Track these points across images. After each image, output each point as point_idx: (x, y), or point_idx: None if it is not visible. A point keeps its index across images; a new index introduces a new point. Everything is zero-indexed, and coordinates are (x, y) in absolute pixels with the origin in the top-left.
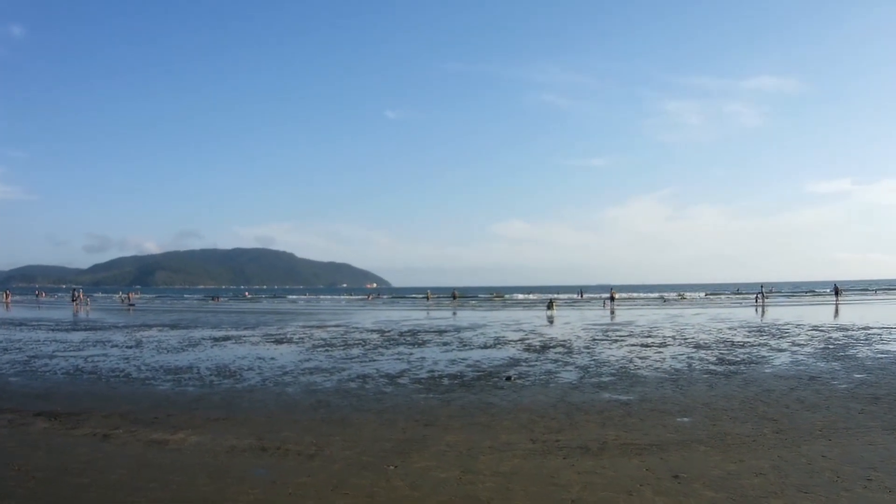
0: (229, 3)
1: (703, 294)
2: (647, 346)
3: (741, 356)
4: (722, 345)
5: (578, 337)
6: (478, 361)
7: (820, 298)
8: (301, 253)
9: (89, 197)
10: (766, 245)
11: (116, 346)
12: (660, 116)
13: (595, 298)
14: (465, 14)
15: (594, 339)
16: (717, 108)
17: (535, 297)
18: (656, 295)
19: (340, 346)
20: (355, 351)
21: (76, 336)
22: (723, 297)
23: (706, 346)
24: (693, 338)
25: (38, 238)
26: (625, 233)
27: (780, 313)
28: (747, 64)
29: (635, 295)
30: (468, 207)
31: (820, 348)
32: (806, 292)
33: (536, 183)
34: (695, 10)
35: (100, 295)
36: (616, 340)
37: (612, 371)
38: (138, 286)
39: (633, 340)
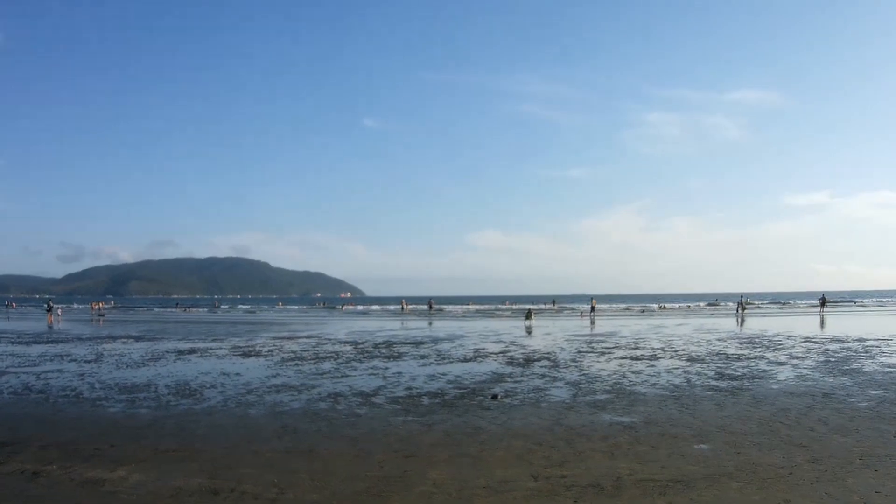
0: (204, 10)
1: (684, 305)
2: (637, 358)
3: (740, 370)
4: (716, 357)
5: (562, 349)
6: (459, 377)
7: (801, 309)
8: (276, 262)
9: (63, 206)
10: (742, 256)
11: (75, 360)
12: (639, 128)
13: (569, 308)
14: (445, 23)
15: (579, 352)
16: (696, 120)
17: (507, 307)
18: (639, 306)
19: (311, 359)
20: (327, 365)
21: (35, 349)
22: (702, 307)
23: (700, 360)
24: (683, 350)
25: (12, 247)
26: (601, 244)
27: (766, 324)
28: (728, 77)
29: (614, 306)
30: (444, 217)
31: (821, 361)
32: (783, 303)
33: (513, 193)
34: (676, 23)
35: (75, 306)
36: (603, 353)
37: (607, 388)
38: (110, 296)
39: (621, 353)
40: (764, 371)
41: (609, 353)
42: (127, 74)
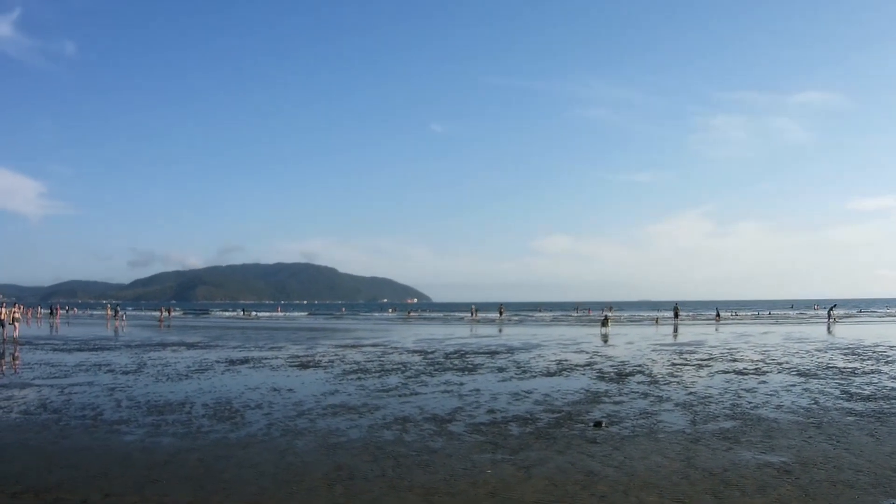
0: (271, 18)
1: (758, 312)
2: (741, 373)
3: (866, 388)
4: (828, 372)
5: (653, 361)
6: (547, 396)
7: (877, 316)
8: (343, 268)
9: (134, 212)
10: (807, 261)
11: (112, 370)
12: (705, 132)
13: (642, 317)
14: (509, 29)
15: (674, 364)
16: (762, 123)
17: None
18: (708, 313)
19: (376, 371)
20: (393, 379)
21: (75, 358)
22: (778, 314)
23: (812, 374)
24: (787, 362)
25: (83, 253)
26: (666, 248)
27: (856, 332)
28: (793, 79)
29: (683, 313)
30: (511, 222)
31: None
32: (860, 310)
33: (579, 198)
34: (741, 25)
35: (130, 310)
36: (700, 365)
37: (726, 411)
38: (174, 301)
39: (721, 365)
40: (894, 389)
41: (706, 365)
42: (197, 83)
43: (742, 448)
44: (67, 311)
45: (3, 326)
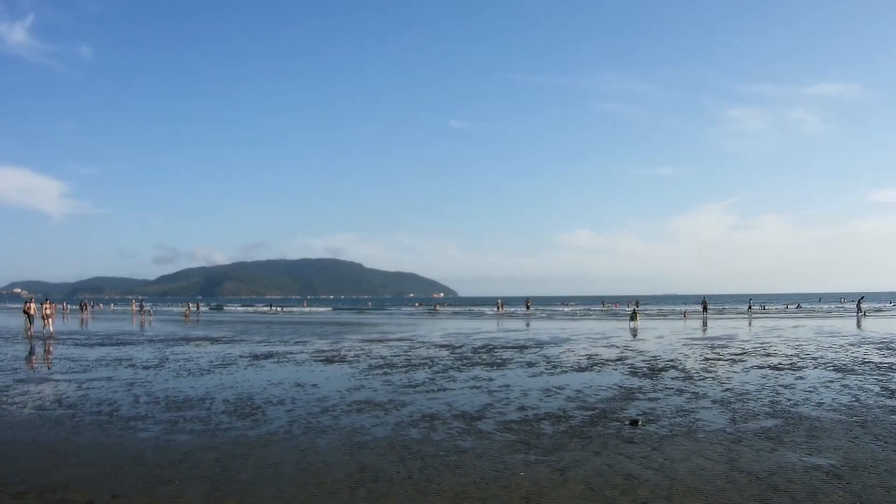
0: (290, 18)
1: (786, 305)
2: (776, 368)
3: None
4: (865, 367)
5: (685, 355)
6: (579, 392)
7: None
8: (369, 263)
9: (158, 210)
10: (832, 254)
11: (133, 365)
12: (723, 124)
13: (670, 311)
14: (528, 25)
15: (706, 359)
16: (780, 115)
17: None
18: (734, 307)
19: (402, 366)
20: (420, 374)
21: (97, 352)
22: (806, 307)
23: (849, 370)
24: (822, 357)
25: (108, 250)
26: (690, 242)
27: (887, 326)
28: (809, 70)
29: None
30: (535, 217)
31: None
32: (892, 303)
33: (604, 192)
34: (756, 17)
35: (167, 307)
36: (733, 360)
37: (765, 408)
38: (199, 297)
39: (754, 360)
40: None
41: (740, 360)
42: (219, 80)
43: (786, 449)
44: (92, 306)
45: (32, 322)
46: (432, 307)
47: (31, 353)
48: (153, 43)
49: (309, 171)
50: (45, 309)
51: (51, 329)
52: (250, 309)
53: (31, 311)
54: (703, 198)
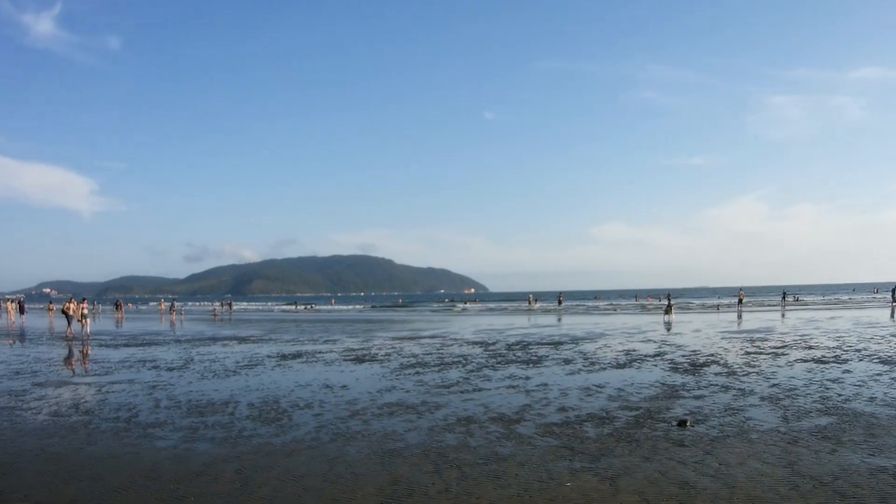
0: (321, 9)
1: (822, 295)
2: (821, 361)
3: None
4: None
5: (725, 349)
6: (620, 390)
7: None
8: (400, 259)
9: (188, 207)
10: (866, 244)
11: (157, 367)
12: (762, 112)
13: (704, 304)
14: (560, 12)
15: (747, 353)
16: (819, 101)
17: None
18: (769, 299)
19: (435, 365)
20: (454, 374)
21: (120, 353)
22: (843, 298)
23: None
24: (865, 349)
25: (137, 249)
26: (723, 234)
27: None
28: (849, 54)
29: (747, 298)
30: (567, 210)
31: None
32: None
33: (636, 183)
34: (794, 1)
35: (197, 305)
36: (775, 354)
37: (817, 405)
38: (229, 295)
39: (797, 353)
40: None
41: (782, 353)
42: (250, 73)
43: (846, 450)
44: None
45: (71, 323)
46: (463, 303)
47: (70, 354)
48: (183, 33)
49: (339, 166)
50: (83, 309)
51: (87, 330)
52: (274, 307)
53: (71, 312)
54: (736, 189)
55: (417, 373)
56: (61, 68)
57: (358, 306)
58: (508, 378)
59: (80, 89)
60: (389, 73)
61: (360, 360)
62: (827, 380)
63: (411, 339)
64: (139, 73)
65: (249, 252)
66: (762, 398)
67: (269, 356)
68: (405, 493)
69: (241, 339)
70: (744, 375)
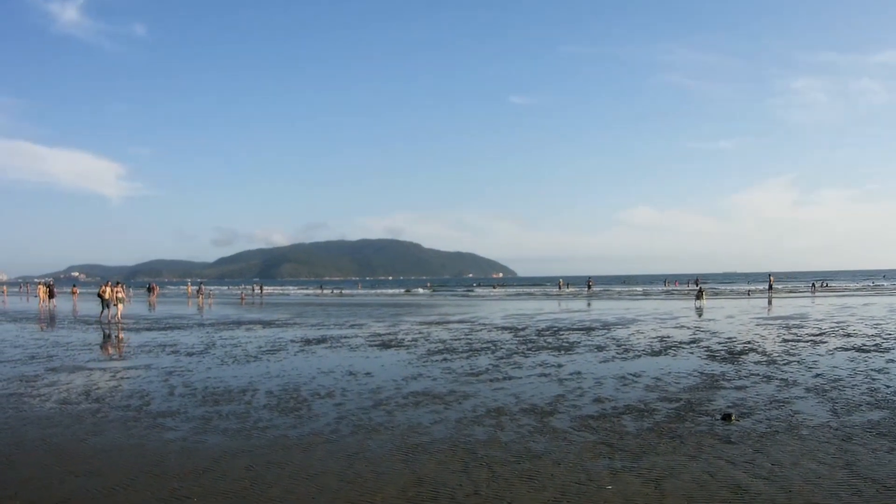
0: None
1: (854, 282)
2: (861, 350)
3: None
4: None
5: (761, 336)
6: (657, 379)
7: None
8: (428, 243)
9: (217, 192)
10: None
11: (177, 351)
12: (786, 95)
13: (734, 290)
14: None
15: (784, 340)
16: (843, 84)
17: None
18: (799, 284)
19: (463, 351)
20: (483, 360)
21: (141, 338)
22: (875, 284)
23: None
24: None
25: (166, 232)
26: (750, 218)
27: None
28: (873, 37)
29: (778, 285)
30: (595, 195)
31: None
32: None
33: (662, 167)
34: None
35: (226, 289)
36: (813, 341)
37: (865, 397)
38: (257, 279)
39: (836, 341)
40: None
41: (820, 341)
42: (277, 58)
43: None
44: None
45: (107, 307)
46: (492, 287)
47: (90, 339)
48: (209, 19)
49: (368, 150)
50: (118, 293)
51: (119, 314)
52: (294, 291)
53: (106, 296)
54: (764, 173)
55: (445, 359)
56: (88, 55)
57: (384, 290)
58: (540, 365)
59: (106, 76)
60: (417, 58)
61: (386, 345)
62: (871, 370)
63: (439, 323)
64: (165, 59)
65: (278, 236)
66: (807, 389)
67: (292, 341)
68: (430, 497)
69: (266, 324)
70: (784, 364)
